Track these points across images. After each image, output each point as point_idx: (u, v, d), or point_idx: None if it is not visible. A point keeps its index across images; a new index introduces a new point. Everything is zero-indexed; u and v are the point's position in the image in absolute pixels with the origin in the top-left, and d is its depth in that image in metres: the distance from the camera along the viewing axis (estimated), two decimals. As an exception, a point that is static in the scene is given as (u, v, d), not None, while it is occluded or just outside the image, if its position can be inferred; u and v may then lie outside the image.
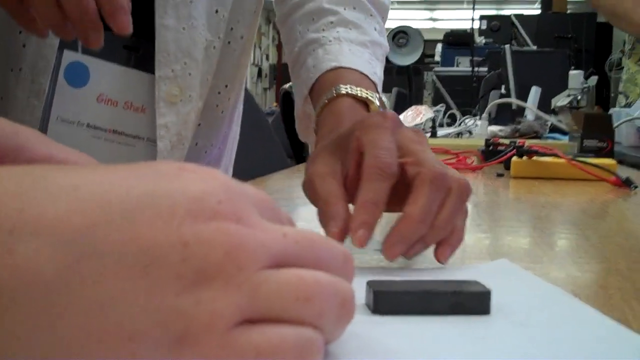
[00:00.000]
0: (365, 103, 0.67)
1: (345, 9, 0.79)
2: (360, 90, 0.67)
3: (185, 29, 0.74)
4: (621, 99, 2.53)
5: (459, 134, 2.12)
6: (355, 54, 0.74)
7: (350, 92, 0.67)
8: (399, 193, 0.50)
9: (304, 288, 0.28)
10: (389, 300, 0.38)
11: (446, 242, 0.50)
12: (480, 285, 0.40)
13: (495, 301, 0.39)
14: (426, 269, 0.50)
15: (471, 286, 0.39)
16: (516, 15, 5.98)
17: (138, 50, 0.74)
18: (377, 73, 0.75)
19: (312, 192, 0.54)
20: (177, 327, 0.25)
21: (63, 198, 0.26)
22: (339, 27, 0.77)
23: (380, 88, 0.74)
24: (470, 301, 0.38)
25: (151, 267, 0.25)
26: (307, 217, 0.75)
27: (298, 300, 0.28)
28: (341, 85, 0.68)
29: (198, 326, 0.26)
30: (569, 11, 6.95)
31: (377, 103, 0.67)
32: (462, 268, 0.50)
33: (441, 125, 2.36)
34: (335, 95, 0.67)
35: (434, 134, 2.00)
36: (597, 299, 0.44)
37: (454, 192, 0.50)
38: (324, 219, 0.51)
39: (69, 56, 0.71)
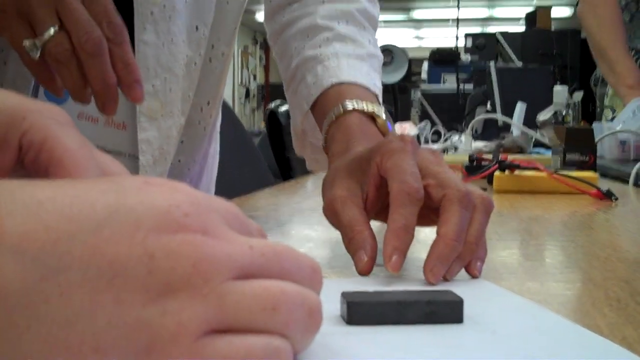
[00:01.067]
0: (372, 117, 0.68)
1: (339, 23, 0.80)
2: (366, 104, 0.68)
3: (164, 45, 0.75)
4: (607, 113, 2.55)
5: (444, 150, 2.13)
6: (355, 68, 0.75)
7: (357, 107, 0.68)
8: (421, 214, 0.51)
9: (270, 298, 0.28)
10: (362, 311, 0.39)
11: (477, 257, 0.51)
12: (452, 294, 0.40)
13: (467, 311, 0.39)
14: (400, 278, 0.50)
15: (444, 295, 0.40)
16: (501, 33, 6.03)
17: None
18: (377, 84, 0.75)
19: (334, 218, 0.55)
20: (144, 338, 0.26)
21: (27, 214, 0.26)
22: (336, 42, 0.78)
23: (380, 99, 0.75)
24: (444, 310, 0.39)
25: (116, 280, 0.26)
26: (290, 234, 0.76)
27: (265, 310, 0.28)
28: (347, 101, 0.69)
29: (164, 337, 0.26)
30: (553, 28, 7.00)
31: (384, 116, 0.68)
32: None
33: (426, 142, 2.37)
34: (342, 111, 0.68)
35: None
36: (569, 306, 0.45)
37: (479, 208, 0.51)
38: (352, 246, 0.52)
39: None
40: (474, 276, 0.51)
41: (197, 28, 0.78)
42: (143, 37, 0.73)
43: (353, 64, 0.76)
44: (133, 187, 0.28)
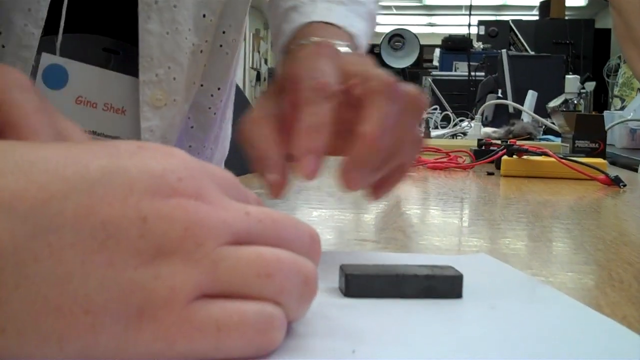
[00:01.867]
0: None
1: None
2: (325, 40, 0.62)
3: (169, 34, 0.74)
4: (617, 102, 2.55)
5: (453, 135, 2.12)
6: (330, 10, 0.71)
7: (314, 40, 0.63)
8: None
9: (264, 264, 0.28)
10: (361, 284, 0.38)
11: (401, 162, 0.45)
12: (452, 269, 0.40)
13: (467, 286, 0.39)
14: (401, 253, 0.50)
15: (444, 270, 0.39)
16: (514, 21, 6.00)
17: (118, 52, 0.75)
18: (355, 25, 0.71)
19: (244, 140, 0.48)
20: (136, 300, 0.26)
21: (20, 172, 0.25)
22: None
23: (362, 41, 0.70)
24: (443, 285, 0.38)
25: (109, 241, 0.26)
26: (293, 212, 0.75)
27: (259, 277, 0.28)
28: (310, 38, 0.64)
29: (157, 300, 0.26)
30: (567, 17, 6.96)
31: (345, 50, 0.62)
32: (438, 257, 0.50)
33: (436, 127, 2.36)
34: (298, 46, 0.63)
35: (427, 135, 2.00)
36: (571, 285, 0.44)
37: (409, 105, 0.45)
38: (258, 166, 0.46)
39: (47, 59, 0.71)
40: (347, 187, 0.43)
41: (204, 15, 0.77)
42: (147, 26, 0.72)
43: (329, 7, 0.72)
44: (127, 151, 0.28)
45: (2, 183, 0.25)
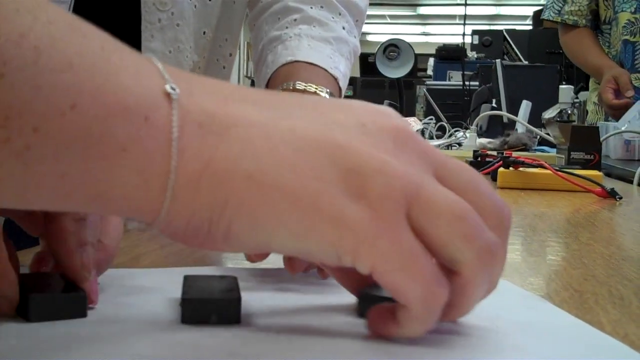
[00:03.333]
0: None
1: (311, 7, 0.79)
2: (308, 86, 0.67)
3: (171, 52, 0.74)
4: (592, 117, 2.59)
5: (448, 146, 2.12)
6: (315, 49, 0.74)
7: (297, 87, 0.67)
8: None
9: (462, 208, 0.32)
10: (374, 304, 0.38)
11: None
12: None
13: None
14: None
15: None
16: (508, 31, 6.01)
17: None
18: (339, 68, 0.73)
19: None
20: (358, 183, 0.30)
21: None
22: (302, 24, 0.77)
23: (343, 84, 0.73)
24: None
25: (335, 129, 0.32)
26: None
27: (452, 215, 0.31)
28: (295, 82, 0.67)
29: (377, 190, 0.30)
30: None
31: (326, 96, 0.66)
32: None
33: (431, 137, 2.36)
34: (282, 90, 0.66)
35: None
36: (571, 302, 0.44)
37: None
38: None
39: None
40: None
41: (204, 33, 0.77)
42: (150, 44, 0.72)
43: (315, 45, 0.74)
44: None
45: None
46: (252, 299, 0.40)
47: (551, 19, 2.56)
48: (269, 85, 0.73)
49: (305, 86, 0.67)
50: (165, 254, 0.54)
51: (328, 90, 0.67)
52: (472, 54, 5.71)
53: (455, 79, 4.91)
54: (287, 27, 0.77)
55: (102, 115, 0.28)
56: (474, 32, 6.64)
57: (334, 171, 0.30)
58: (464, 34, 4.71)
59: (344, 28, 0.80)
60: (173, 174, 0.30)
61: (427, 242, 0.32)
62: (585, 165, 1.40)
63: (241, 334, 0.34)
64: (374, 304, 0.35)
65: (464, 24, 4.28)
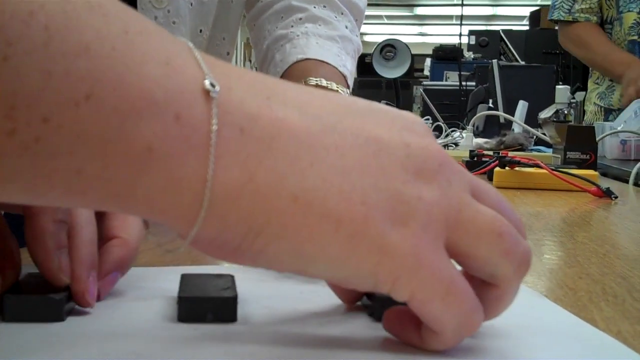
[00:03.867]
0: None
1: (315, 7, 0.79)
2: (330, 84, 0.66)
3: None
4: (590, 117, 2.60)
5: (445, 146, 2.13)
6: (324, 47, 0.74)
7: (320, 84, 0.66)
8: None
9: (499, 225, 0.32)
10: (387, 308, 0.38)
11: None
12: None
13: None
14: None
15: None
16: (504, 31, 6.02)
17: None
18: (346, 66, 0.73)
19: None
20: (402, 209, 0.30)
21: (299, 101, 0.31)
22: (308, 22, 0.77)
23: (350, 82, 0.73)
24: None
25: (380, 153, 0.30)
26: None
27: (492, 234, 0.31)
28: (310, 78, 0.67)
29: (418, 218, 0.30)
30: (557, 28, 6.99)
31: (342, 91, 0.66)
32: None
33: (428, 138, 2.36)
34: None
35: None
36: (566, 300, 0.45)
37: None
38: None
39: None
40: None
41: (200, 31, 0.77)
42: None
43: (323, 43, 0.74)
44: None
45: (287, 94, 0.30)
46: (249, 297, 0.40)
47: (562, 18, 2.56)
48: None
49: (327, 84, 0.66)
50: (161, 253, 0.55)
51: (348, 91, 0.67)
52: (468, 55, 5.72)
53: (452, 79, 4.92)
54: (292, 26, 0.77)
55: (123, 109, 0.26)
56: (471, 33, 6.65)
57: (379, 197, 0.29)
58: (460, 35, 4.71)
59: (346, 27, 0.80)
60: (209, 183, 0.27)
61: (466, 263, 0.32)
62: (582, 165, 1.41)
63: (237, 333, 0.35)
64: (388, 306, 0.34)
65: (461, 25, 4.29)
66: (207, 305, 0.36)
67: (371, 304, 0.38)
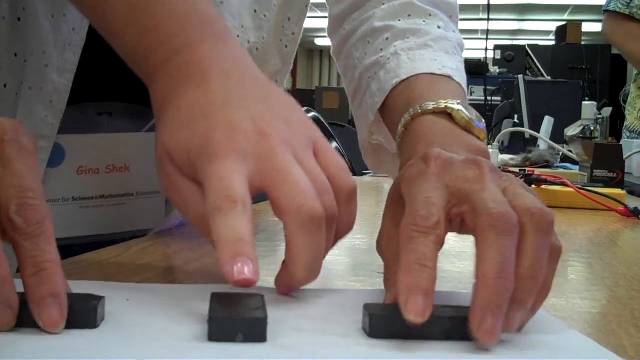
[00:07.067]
0: (446, 112, 0.59)
1: (399, 20, 0.75)
2: (437, 103, 0.60)
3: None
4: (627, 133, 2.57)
5: (470, 162, 2.12)
6: (415, 60, 0.69)
7: (426, 109, 0.60)
8: None
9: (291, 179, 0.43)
10: (384, 324, 0.38)
11: (522, 300, 0.39)
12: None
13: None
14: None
15: (468, 312, 0.39)
16: (530, 46, 6.01)
17: (110, 113, 0.74)
18: (448, 66, 0.68)
19: (380, 254, 0.48)
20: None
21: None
22: (396, 40, 0.73)
23: (460, 78, 0.68)
24: (467, 327, 0.38)
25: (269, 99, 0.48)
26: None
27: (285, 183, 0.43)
28: (415, 106, 0.61)
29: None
30: (583, 43, 6.96)
31: (459, 108, 0.59)
32: (460, 294, 0.51)
33: (453, 154, 2.35)
34: (410, 118, 0.61)
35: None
36: (594, 325, 0.44)
37: (529, 227, 0.40)
38: (387, 284, 0.46)
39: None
40: (507, 331, 0.39)
41: (255, 11, 0.74)
42: None
43: (413, 56, 0.70)
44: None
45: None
46: (278, 317, 0.40)
47: (618, 10, 2.56)
48: (385, 115, 0.70)
49: (434, 105, 0.60)
50: (191, 270, 0.55)
51: (458, 101, 0.61)
52: (494, 69, 5.71)
53: (477, 94, 4.91)
54: (382, 49, 0.73)
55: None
56: (497, 47, 6.64)
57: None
58: (486, 49, 4.69)
59: (439, 27, 0.76)
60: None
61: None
62: (608, 183, 1.40)
63: (266, 353, 0.35)
64: (383, 323, 0.38)
65: (487, 39, 4.27)
66: (238, 325, 0.36)
67: (370, 323, 0.38)
